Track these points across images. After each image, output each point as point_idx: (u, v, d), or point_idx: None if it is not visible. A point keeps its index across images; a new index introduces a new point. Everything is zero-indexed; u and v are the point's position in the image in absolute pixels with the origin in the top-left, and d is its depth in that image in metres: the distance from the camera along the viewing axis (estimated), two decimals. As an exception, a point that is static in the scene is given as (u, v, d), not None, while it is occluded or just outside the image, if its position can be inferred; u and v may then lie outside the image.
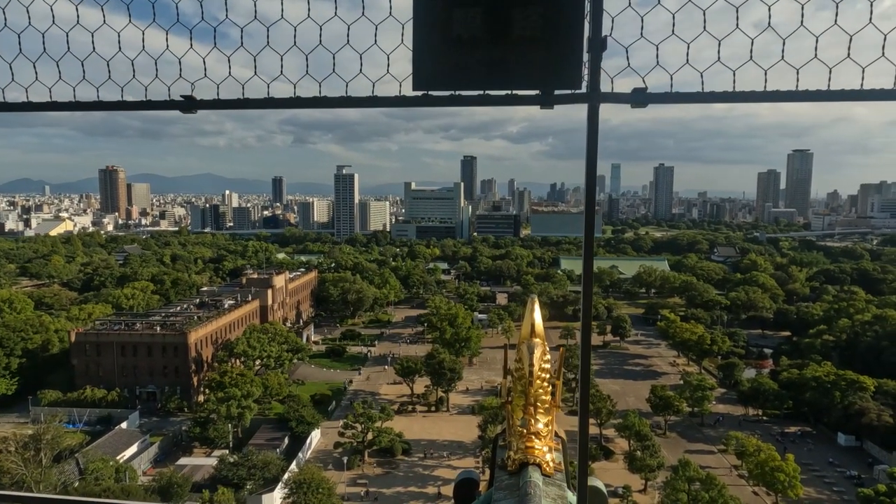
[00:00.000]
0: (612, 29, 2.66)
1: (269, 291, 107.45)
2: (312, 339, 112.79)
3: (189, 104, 2.95)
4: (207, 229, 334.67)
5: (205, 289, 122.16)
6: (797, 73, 2.88)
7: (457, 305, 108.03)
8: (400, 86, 2.70)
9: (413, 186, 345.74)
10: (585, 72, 2.68)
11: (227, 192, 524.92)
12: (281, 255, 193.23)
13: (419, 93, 2.65)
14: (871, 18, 2.99)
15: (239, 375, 71.31)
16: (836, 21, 2.80)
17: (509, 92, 2.63)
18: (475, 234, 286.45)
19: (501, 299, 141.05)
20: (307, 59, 3.02)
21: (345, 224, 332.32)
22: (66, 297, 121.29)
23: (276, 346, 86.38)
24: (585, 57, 2.67)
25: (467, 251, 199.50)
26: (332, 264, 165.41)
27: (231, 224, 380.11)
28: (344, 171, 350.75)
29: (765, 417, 77.45)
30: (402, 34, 2.67)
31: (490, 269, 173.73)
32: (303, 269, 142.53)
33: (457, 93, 2.65)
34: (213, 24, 3.34)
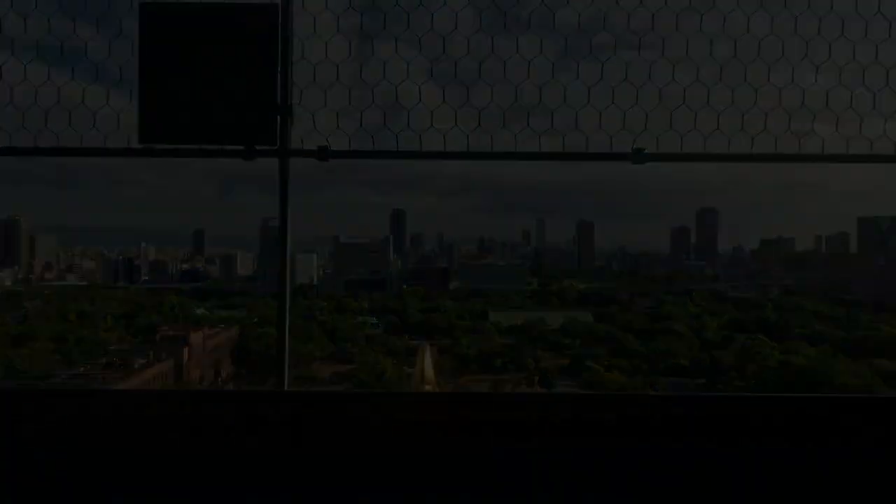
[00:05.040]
0: (301, 97, 3.24)
1: (186, 349, 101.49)
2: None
3: None
4: (121, 283, 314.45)
5: (113, 347, 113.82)
6: (539, 137, 3.59)
7: (385, 360, 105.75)
8: (128, 139, 3.10)
9: (342, 240, 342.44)
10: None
11: (143, 244, 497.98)
12: (200, 311, 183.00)
13: (143, 145, 3.09)
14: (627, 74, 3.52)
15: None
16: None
17: (220, 147, 3.13)
18: (405, 287, 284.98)
19: (432, 353, 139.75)
20: (46, 115, 3.26)
21: (270, 277, 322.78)
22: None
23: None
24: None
25: (397, 305, 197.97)
26: (255, 319, 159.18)
27: (147, 278, 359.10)
28: (269, 224, 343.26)
29: (685, 464, 79.71)
30: (131, 92, 3.08)
31: (420, 322, 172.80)
32: (223, 325, 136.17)
33: (176, 146, 3.12)
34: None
